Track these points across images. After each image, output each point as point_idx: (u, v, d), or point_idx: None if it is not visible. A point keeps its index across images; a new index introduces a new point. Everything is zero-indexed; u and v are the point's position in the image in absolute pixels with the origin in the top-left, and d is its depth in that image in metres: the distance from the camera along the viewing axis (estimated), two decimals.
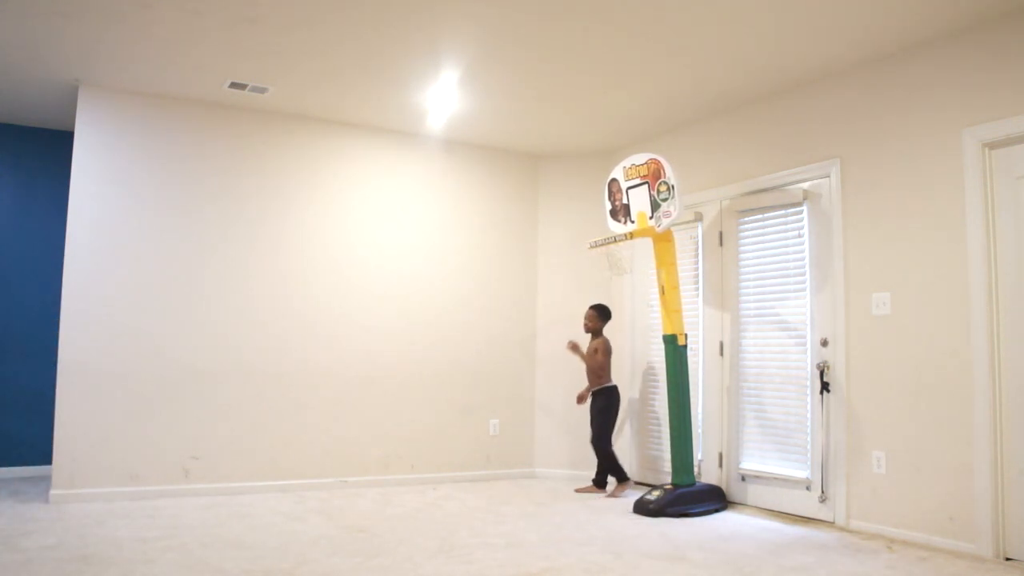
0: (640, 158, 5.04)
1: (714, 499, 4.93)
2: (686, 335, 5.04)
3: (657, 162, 4.91)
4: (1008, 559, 3.69)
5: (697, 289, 5.51)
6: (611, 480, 5.60)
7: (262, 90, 5.12)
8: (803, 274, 4.78)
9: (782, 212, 4.93)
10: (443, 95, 5.16)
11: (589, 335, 5.75)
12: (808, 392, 4.69)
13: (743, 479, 5.04)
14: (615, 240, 5.26)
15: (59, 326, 4.89)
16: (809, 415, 4.68)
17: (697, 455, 5.25)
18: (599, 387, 5.62)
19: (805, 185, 4.79)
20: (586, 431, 5.78)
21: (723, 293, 5.28)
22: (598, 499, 5.32)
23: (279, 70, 4.78)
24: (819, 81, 4.73)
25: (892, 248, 4.29)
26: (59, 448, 4.78)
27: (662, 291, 5.00)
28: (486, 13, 3.96)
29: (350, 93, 5.17)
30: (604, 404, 5.61)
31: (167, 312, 5.14)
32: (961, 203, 3.97)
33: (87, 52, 4.51)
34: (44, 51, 4.50)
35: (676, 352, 4.96)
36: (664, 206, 4.85)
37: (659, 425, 5.74)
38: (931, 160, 4.13)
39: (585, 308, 5.82)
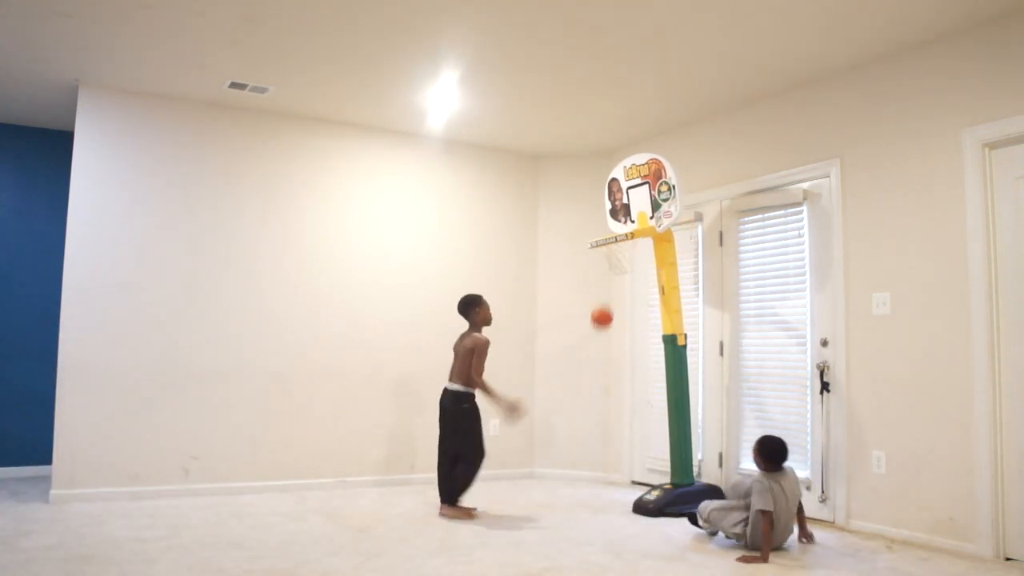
0: (641, 158, 5.04)
1: (714, 498, 4.92)
2: (686, 335, 5.04)
3: (658, 162, 4.90)
4: (1008, 559, 3.69)
5: (697, 289, 5.51)
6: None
7: (262, 90, 5.11)
8: (803, 274, 4.78)
9: (782, 212, 4.93)
10: (443, 95, 5.16)
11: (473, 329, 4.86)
12: (808, 392, 4.69)
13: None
14: (615, 240, 5.26)
15: (59, 326, 4.89)
16: (809, 415, 4.68)
17: (697, 455, 5.25)
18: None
19: (805, 185, 4.79)
20: (589, 431, 5.76)
21: (723, 293, 5.28)
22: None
23: (279, 70, 4.78)
24: (819, 81, 4.73)
25: (892, 248, 4.29)
26: (59, 448, 4.78)
27: (662, 291, 5.00)
28: (487, 12, 3.96)
29: (350, 93, 5.17)
30: None
31: (167, 312, 5.14)
32: (961, 203, 3.97)
33: (87, 52, 4.51)
34: (44, 51, 4.50)
35: (676, 352, 4.96)
36: (665, 206, 4.85)
37: (659, 425, 5.73)
38: (931, 160, 4.13)
39: (584, 308, 5.76)
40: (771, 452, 3.93)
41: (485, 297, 4.96)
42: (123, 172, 5.10)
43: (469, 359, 4.73)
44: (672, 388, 4.98)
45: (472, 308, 4.88)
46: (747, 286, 5.14)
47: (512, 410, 4.75)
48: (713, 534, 4.10)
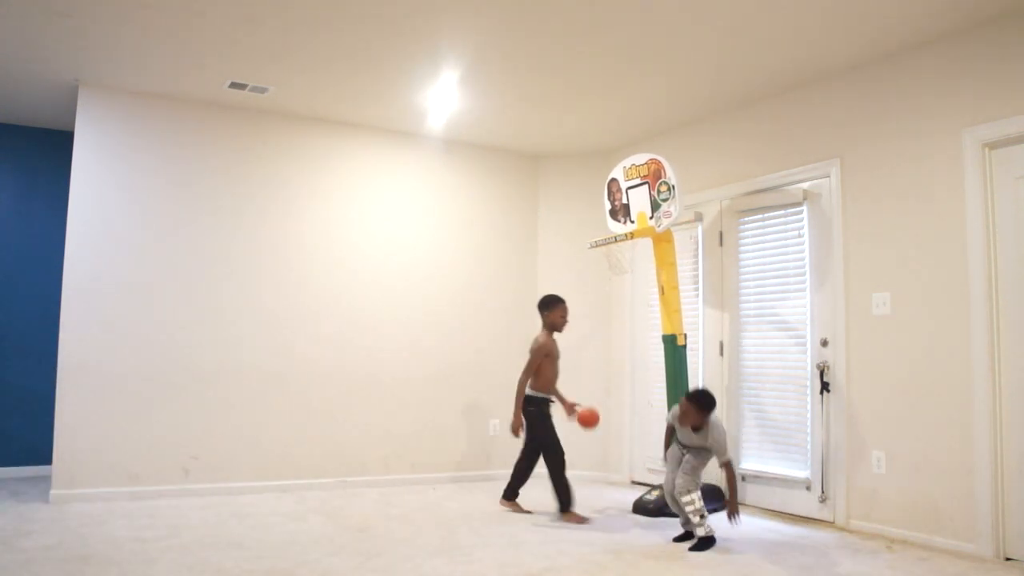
0: (640, 158, 5.04)
1: (714, 499, 4.91)
2: (685, 335, 5.03)
3: (657, 162, 4.90)
4: (1008, 559, 3.70)
5: (697, 289, 5.51)
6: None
7: (262, 90, 5.11)
8: (803, 274, 4.78)
9: (782, 212, 4.93)
10: (443, 95, 5.16)
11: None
12: (808, 392, 4.69)
13: (743, 479, 5.04)
14: (615, 240, 5.26)
15: (59, 326, 4.89)
16: (809, 415, 4.68)
17: None
18: None
19: (805, 185, 4.79)
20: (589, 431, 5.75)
21: (723, 293, 5.28)
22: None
23: (279, 70, 4.78)
24: (819, 81, 4.73)
25: (892, 248, 4.29)
26: (59, 448, 4.78)
27: (662, 291, 5.00)
28: (487, 12, 3.96)
29: (350, 93, 5.17)
30: None
31: (167, 312, 5.14)
32: (961, 203, 3.97)
33: (87, 52, 4.51)
34: (44, 51, 4.50)
35: (675, 352, 4.95)
36: (664, 206, 4.84)
37: (659, 425, 5.73)
38: (931, 160, 4.13)
39: (584, 308, 5.78)
40: (706, 401, 3.98)
41: (557, 301, 4.87)
42: (123, 172, 5.10)
43: (532, 361, 4.76)
44: (672, 388, 4.97)
45: (542, 310, 4.90)
46: (747, 286, 5.14)
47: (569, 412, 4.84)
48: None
